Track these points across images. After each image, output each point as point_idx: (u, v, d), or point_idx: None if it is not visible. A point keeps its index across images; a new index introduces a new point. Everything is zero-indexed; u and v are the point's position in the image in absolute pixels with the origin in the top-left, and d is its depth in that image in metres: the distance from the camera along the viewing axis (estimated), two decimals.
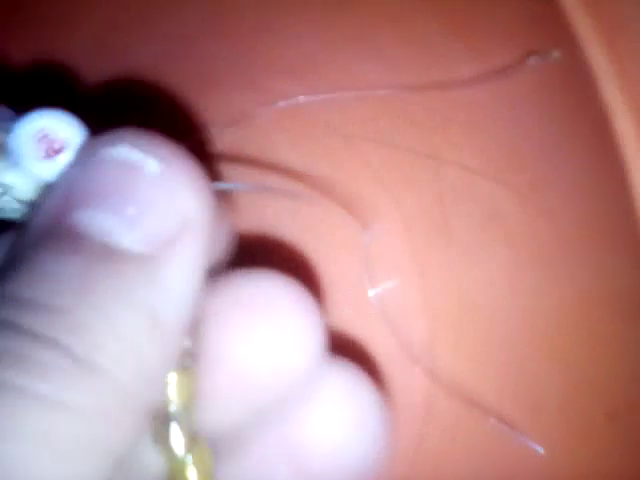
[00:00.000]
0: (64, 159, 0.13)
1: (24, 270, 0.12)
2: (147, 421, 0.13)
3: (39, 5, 0.22)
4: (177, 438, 0.14)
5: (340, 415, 0.16)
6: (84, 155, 0.13)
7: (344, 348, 0.23)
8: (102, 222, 0.12)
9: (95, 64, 0.23)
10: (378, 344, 0.24)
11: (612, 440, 0.18)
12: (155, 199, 0.12)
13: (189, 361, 0.14)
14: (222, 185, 0.16)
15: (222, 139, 0.25)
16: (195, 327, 0.14)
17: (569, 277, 0.20)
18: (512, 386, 0.21)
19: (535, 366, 0.21)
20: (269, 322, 0.15)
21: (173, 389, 0.14)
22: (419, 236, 0.24)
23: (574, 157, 0.19)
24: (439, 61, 0.20)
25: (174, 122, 0.24)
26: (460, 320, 0.23)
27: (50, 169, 0.13)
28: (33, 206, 0.14)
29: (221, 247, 0.16)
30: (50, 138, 0.13)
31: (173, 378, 0.14)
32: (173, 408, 0.14)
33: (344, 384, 0.16)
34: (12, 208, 0.14)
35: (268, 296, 0.15)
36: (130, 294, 0.12)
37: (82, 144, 0.13)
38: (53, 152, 0.13)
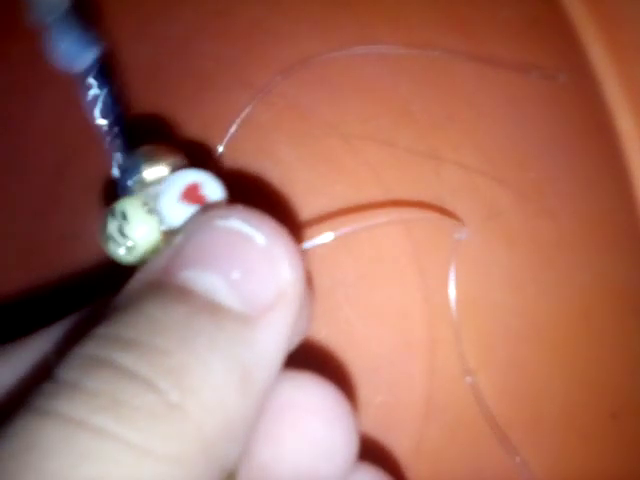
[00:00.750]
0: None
1: (129, 314, 0.13)
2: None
3: None
4: None
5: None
6: (198, 222, 0.14)
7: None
8: (209, 281, 0.13)
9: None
10: (378, 344, 0.23)
11: (617, 439, 0.18)
12: (259, 267, 0.14)
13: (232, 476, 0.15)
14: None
15: (221, 139, 0.25)
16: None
17: (570, 277, 0.20)
18: (513, 386, 0.21)
19: (536, 366, 0.21)
20: (307, 420, 0.16)
21: None
22: (419, 236, 0.24)
23: (574, 157, 0.19)
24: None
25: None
26: (460, 320, 0.23)
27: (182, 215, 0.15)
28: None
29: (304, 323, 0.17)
30: (196, 192, 0.15)
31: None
32: None
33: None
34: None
35: (307, 402, 0.16)
36: (227, 348, 0.13)
37: (197, 212, 0.15)
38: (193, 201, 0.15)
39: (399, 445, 0.23)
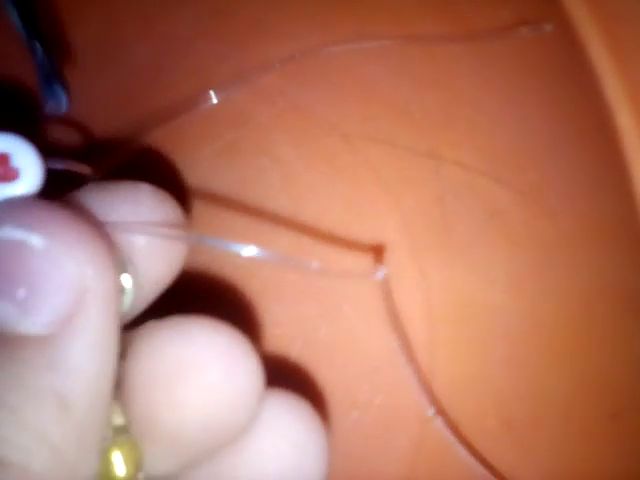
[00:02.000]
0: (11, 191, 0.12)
1: None
2: None
3: (38, 4, 0.22)
4: None
5: (275, 448, 0.16)
6: None
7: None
8: None
9: (94, 64, 0.23)
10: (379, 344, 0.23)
11: (616, 440, 0.18)
12: (44, 276, 0.12)
13: (127, 434, 0.14)
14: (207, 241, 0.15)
15: (222, 139, 0.25)
16: (124, 394, 0.14)
17: (570, 277, 0.20)
18: (513, 386, 0.21)
19: (537, 366, 0.21)
20: (202, 374, 0.14)
21: (120, 466, 0.13)
22: (419, 236, 0.24)
23: (574, 156, 0.19)
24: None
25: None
26: (460, 320, 0.23)
27: None
28: None
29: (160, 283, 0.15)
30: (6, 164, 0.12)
31: (118, 457, 0.13)
32: None
33: (281, 415, 0.16)
34: None
35: (198, 345, 0.14)
36: (34, 381, 0.12)
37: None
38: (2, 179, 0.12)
39: (399, 445, 0.23)
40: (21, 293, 0.12)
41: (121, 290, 0.14)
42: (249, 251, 0.14)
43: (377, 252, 0.23)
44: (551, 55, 0.18)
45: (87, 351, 0.12)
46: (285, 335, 0.24)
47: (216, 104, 0.24)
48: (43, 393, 0.12)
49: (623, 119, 0.16)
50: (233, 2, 0.23)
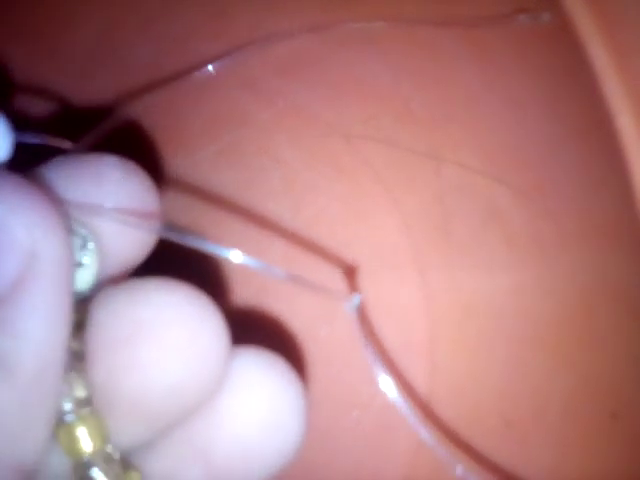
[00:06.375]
0: None
1: None
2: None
3: (38, 4, 0.22)
4: None
5: (249, 406, 0.15)
6: None
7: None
8: None
9: (94, 63, 0.23)
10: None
11: (617, 439, 0.18)
12: None
13: (91, 407, 0.13)
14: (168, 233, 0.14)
15: (221, 140, 0.25)
16: (84, 365, 0.14)
17: (570, 277, 0.20)
18: (514, 386, 0.21)
19: (537, 366, 0.21)
20: (162, 334, 0.14)
21: (86, 441, 0.13)
22: (419, 236, 0.24)
23: (575, 156, 0.19)
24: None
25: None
26: (460, 320, 0.23)
27: None
28: None
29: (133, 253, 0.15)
30: None
31: (83, 431, 0.13)
32: (90, 457, 0.13)
33: (253, 372, 0.15)
34: None
35: (157, 305, 0.14)
36: None
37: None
38: None
39: (399, 445, 0.23)
40: None
41: (78, 262, 0.13)
42: (212, 247, 0.14)
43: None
44: (551, 54, 0.18)
45: (36, 317, 0.12)
46: (285, 335, 0.24)
47: (216, 104, 0.24)
48: None
49: (623, 119, 0.16)
50: (233, 3, 0.23)
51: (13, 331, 0.12)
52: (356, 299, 0.17)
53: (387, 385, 0.17)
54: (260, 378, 0.15)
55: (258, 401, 0.15)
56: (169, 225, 0.14)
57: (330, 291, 0.17)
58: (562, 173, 0.20)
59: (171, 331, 0.14)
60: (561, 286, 0.20)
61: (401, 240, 0.24)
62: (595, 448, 0.19)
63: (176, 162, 0.25)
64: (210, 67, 0.21)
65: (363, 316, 0.19)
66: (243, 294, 0.25)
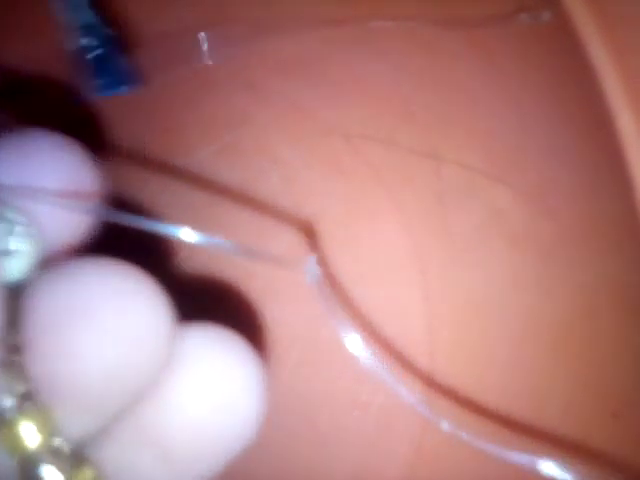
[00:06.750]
0: None
1: None
2: None
3: (38, 4, 0.22)
4: (54, 477, 0.13)
5: (200, 387, 0.14)
6: None
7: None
8: None
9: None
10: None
11: (618, 439, 0.18)
12: None
13: (32, 401, 0.13)
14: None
15: (221, 140, 0.25)
16: (22, 358, 0.13)
17: (571, 276, 0.20)
18: (514, 386, 0.21)
19: (538, 366, 0.21)
20: (95, 316, 0.13)
21: (30, 437, 0.13)
22: (419, 236, 0.24)
23: (575, 156, 0.19)
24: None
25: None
26: (460, 320, 0.23)
27: None
28: None
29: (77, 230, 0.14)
30: None
31: (27, 427, 0.13)
32: (36, 452, 0.13)
33: (205, 349, 0.14)
34: None
35: (88, 287, 0.13)
36: None
37: None
38: None
39: (399, 445, 0.23)
40: None
41: (5, 249, 0.13)
42: (168, 229, 0.13)
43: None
44: (551, 54, 0.18)
45: None
46: (285, 335, 0.24)
47: (216, 104, 0.24)
48: None
49: (623, 119, 0.16)
50: (233, 3, 0.23)
51: None
52: (312, 263, 0.15)
53: (355, 344, 0.16)
54: (212, 355, 0.14)
55: (210, 380, 0.14)
56: (110, 205, 0.13)
57: (284, 260, 0.16)
58: (562, 173, 0.20)
59: (105, 313, 0.13)
60: (561, 286, 0.20)
61: (401, 240, 0.24)
62: (595, 448, 0.19)
63: (176, 161, 0.25)
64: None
65: (328, 280, 0.18)
66: (243, 297, 0.25)
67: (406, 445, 0.23)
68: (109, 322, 0.13)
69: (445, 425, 0.17)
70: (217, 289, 0.24)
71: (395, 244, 0.24)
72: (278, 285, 0.25)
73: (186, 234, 0.13)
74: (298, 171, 0.24)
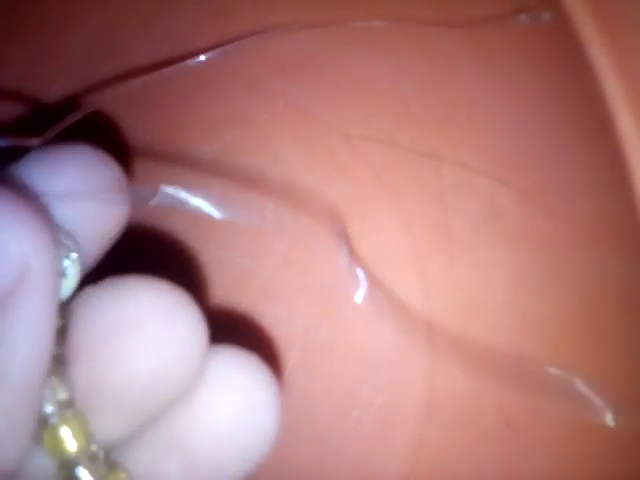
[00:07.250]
0: None
1: None
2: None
3: (38, 4, 0.22)
4: None
5: (224, 402, 0.15)
6: None
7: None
8: None
9: (94, 64, 0.23)
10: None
11: (617, 439, 0.18)
12: None
13: (73, 409, 0.14)
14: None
15: (221, 140, 0.25)
16: (65, 368, 0.14)
17: (570, 277, 0.20)
18: (514, 385, 0.21)
19: (537, 365, 0.21)
20: (140, 328, 0.14)
21: (70, 441, 0.13)
22: (419, 236, 0.24)
23: (575, 157, 0.19)
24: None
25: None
26: (460, 320, 0.23)
27: None
28: None
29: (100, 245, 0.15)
30: None
31: (66, 432, 0.13)
32: (75, 456, 0.13)
33: (229, 369, 0.15)
34: None
35: (135, 301, 0.14)
36: None
37: None
38: None
39: (399, 445, 0.23)
40: None
41: (62, 272, 0.14)
42: (199, 202, 0.15)
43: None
44: (551, 54, 0.18)
45: (26, 328, 0.12)
46: (285, 335, 0.24)
47: (216, 104, 0.24)
48: None
49: (623, 119, 0.16)
50: (233, 3, 0.23)
51: (4, 342, 0.12)
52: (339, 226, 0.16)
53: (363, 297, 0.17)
54: (235, 375, 0.15)
55: (232, 398, 0.15)
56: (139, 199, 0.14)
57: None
58: (562, 173, 0.20)
59: (149, 325, 0.14)
60: (560, 286, 0.20)
61: (401, 240, 0.24)
62: (595, 448, 0.19)
63: (176, 161, 0.25)
64: (203, 57, 0.21)
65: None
66: (244, 298, 0.25)
67: (406, 443, 0.23)
68: (151, 333, 0.14)
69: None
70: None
71: (395, 244, 0.24)
72: (278, 285, 0.25)
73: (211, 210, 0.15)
74: (298, 171, 0.24)
